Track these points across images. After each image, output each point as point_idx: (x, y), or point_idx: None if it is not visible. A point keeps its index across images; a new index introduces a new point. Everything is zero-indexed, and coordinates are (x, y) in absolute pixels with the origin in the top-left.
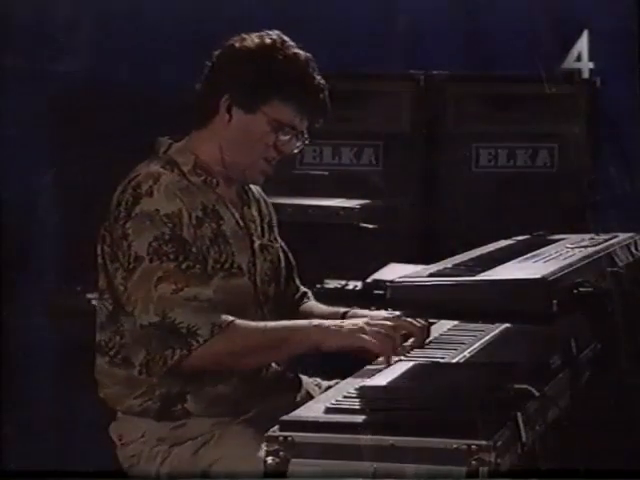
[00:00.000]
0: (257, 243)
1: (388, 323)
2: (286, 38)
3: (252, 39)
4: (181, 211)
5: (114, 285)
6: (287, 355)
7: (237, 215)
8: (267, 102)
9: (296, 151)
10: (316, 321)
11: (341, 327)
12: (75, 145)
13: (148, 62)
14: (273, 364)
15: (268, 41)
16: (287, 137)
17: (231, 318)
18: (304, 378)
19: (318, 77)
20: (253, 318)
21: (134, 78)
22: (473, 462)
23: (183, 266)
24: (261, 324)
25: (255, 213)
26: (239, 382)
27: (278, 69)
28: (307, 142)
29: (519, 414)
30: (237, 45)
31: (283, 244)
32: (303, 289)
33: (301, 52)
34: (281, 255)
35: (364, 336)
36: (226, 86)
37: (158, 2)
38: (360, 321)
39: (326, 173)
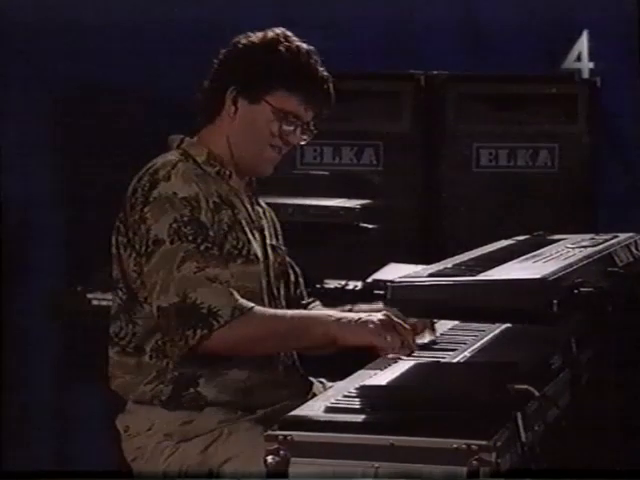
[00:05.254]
0: (268, 240)
1: (405, 325)
2: (289, 33)
3: (256, 35)
4: (198, 195)
5: (127, 273)
6: (305, 345)
7: (249, 208)
8: (271, 92)
9: (303, 143)
10: (336, 314)
11: (357, 323)
12: (76, 146)
13: (148, 63)
14: (284, 358)
15: (271, 35)
16: (292, 127)
17: (252, 304)
18: (311, 379)
19: (321, 69)
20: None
21: (136, 79)
22: (474, 462)
23: (202, 247)
24: (281, 311)
25: (262, 214)
26: (252, 369)
27: (281, 60)
28: (314, 133)
29: (519, 414)
30: (242, 41)
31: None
32: (310, 298)
33: (304, 45)
34: (287, 263)
35: (378, 334)
36: (231, 79)
37: (162, 3)
38: (376, 318)
39: (326, 173)
